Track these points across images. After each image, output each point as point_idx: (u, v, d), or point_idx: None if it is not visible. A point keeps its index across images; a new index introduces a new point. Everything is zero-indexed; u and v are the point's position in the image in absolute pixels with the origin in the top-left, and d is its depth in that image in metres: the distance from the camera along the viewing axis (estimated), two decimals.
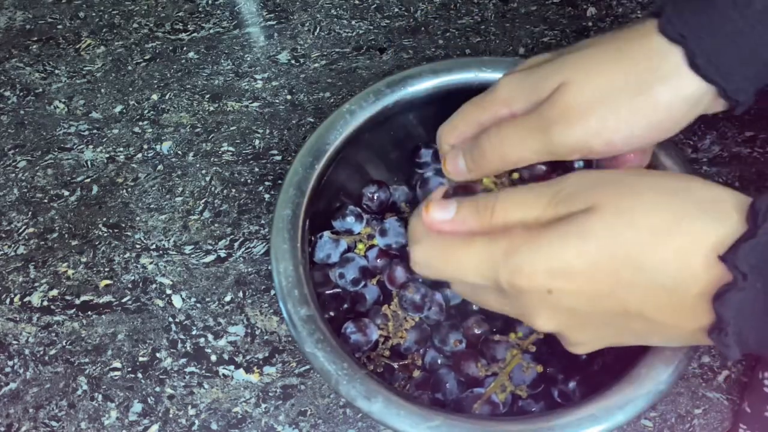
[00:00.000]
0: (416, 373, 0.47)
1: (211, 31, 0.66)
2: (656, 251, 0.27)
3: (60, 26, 0.67)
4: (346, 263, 0.48)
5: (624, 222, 0.28)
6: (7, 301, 0.54)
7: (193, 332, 0.52)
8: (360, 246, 0.49)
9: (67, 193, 0.58)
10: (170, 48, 0.65)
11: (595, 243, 0.28)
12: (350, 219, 0.48)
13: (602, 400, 0.37)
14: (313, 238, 0.48)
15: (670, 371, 0.37)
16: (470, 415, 0.41)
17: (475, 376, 0.45)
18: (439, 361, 0.47)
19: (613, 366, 0.41)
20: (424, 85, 0.47)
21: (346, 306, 0.48)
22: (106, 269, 0.55)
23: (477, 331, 0.46)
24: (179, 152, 0.60)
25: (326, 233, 0.48)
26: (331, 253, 0.48)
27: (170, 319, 0.53)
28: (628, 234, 0.28)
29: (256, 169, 0.58)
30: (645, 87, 0.31)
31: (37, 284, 0.55)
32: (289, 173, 0.44)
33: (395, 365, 0.46)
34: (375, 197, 0.50)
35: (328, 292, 0.48)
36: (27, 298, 0.54)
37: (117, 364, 0.51)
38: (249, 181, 0.58)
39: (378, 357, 0.46)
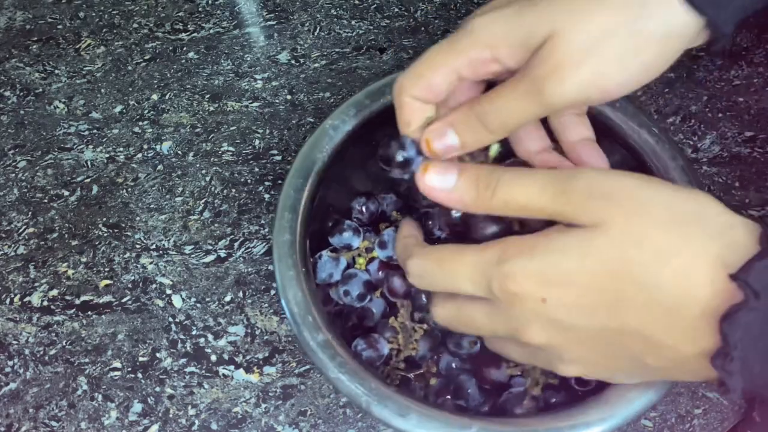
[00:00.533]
0: (433, 381, 0.46)
1: (211, 31, 0.66)
2: (661, 271, 0.26)
3: (60, 26, 0.67)
4: (349, 280, 0.47)
5: (631, 242, 0.27)
6: (7, 301, 0.54)
7: (193, 332, 0.52)
8: (360, 260, 0.48)
9: (67, 193, 0.58)
10: (170, 48, 0.65)
11: (599, 260, 0.27)
12: (348, 233, 0.48)
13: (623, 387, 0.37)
14: (312, 260, 0.47)
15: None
16: (503, 419, 0.41)
17: (501, 380, 0.45)
18: (454, 365, 0.46)
19: None
20: None
21: (353, 323, 0.48)
22: (106, 269, 0.55)
23: None
24: (179, 152, 0.60)
25: (325, 253, 0.48)
26: (333, 272, 0.48)
27: (170, 319, 0.53)
28: (632, 253, 0.27)
29: (256, 169, 0.58)
30: (637, 25, 0.30)
31: (37, 284, 0.55)
32: (282, 197, 0.44)
33: (411, 376, 0.46)
34: (365, 209, 0.50)
35: (334, 309, 0.48)
36: (27, 298, 0.54)
37: (117, 364, 0.51)
38: (249, 181, 0.58)
39: (393, 370, 0.46)
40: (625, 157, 0.45)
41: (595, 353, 0.30)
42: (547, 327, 0.29)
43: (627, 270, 0.27)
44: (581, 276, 0.27)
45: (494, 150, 0.36)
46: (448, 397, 0.45)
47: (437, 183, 0.31)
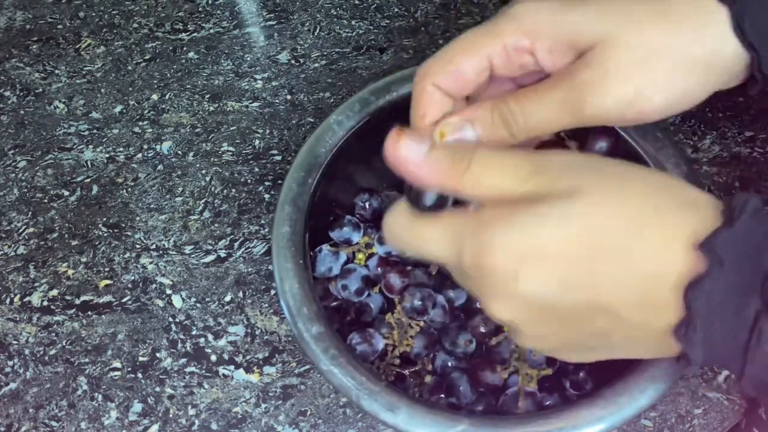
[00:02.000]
0: (428, 378, 0.46)
1: (211, 31, 0.66)
2: (635, 242, 0.26)
3: (60, 26, 0.67)
4: (348, 274, 0.47)
5: (607, 210, 0.26)
6: (7, 301, 0.54)
7: (193, 332, 0.52)
8: (360, 256, 0.49)
9: (67, 193, 0.58)
10: (170, 48, 0.65)
11: (575, 228, 0.26)
12: (348, 228, 0.48)
13: (624, 386, 0.37)
14: (312, 253, 0.47)
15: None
16: (493, 417, 0.41)
17: (496, 383, 0.45)
18: (449, 364, 0.46)
19: None
20: (408, 91, 0.47)
21: (351, 317, 0.48)
22: (106, 269, 0.55)
23: (483, 330, 0.46)
24: (179, 152, 0.60)
25: (325, 246, 0.48)
26: (332, 266, 0.48)
27: (170, 319, 0.53)
28: (609, 223, 0.26)
29: (256, 169, 0.58)
30: (693, 47, 0.29)
31: (37, 284, 0.55)
32: (283, 190, 0.44)
33: (406, 372, 0.46)
34: (367, 205, 0.50)
35: (332, 305, 0.48)
36: (27, 298, 0.54)
37: (117, 364, 0.51)
38: (249, 181, 0.58)
39: (388, 366, 0.46)
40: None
41: (558, 330, 0.28)
42: (513, 304, 0.27)
43: (603, 241, 0.26)
44: (559, 244, 0.26)
45: None
46: (442, 395, 0.45)
47: (410, 152, 0.28)
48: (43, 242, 0.56)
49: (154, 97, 0.62)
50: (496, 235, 0.26)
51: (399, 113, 0.47)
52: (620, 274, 0.26)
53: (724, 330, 0.25)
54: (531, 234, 0.26)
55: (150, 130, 0.61)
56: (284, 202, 0.44)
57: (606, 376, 0.38)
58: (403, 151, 0.28)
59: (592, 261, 0.26)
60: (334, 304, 0.48)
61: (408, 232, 0.30)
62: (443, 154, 0.28)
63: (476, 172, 0.28)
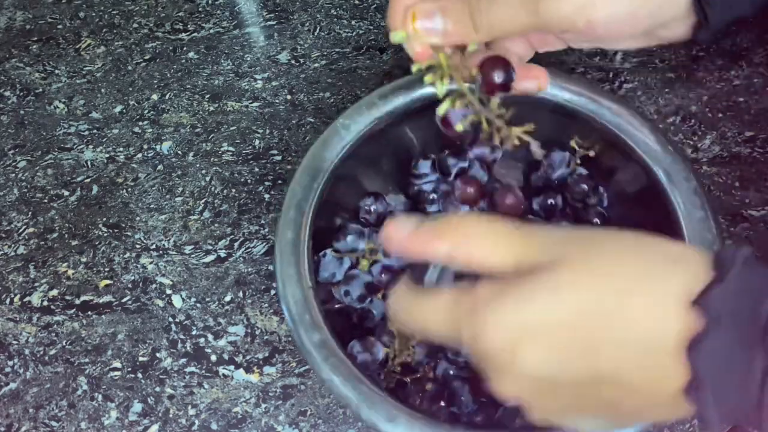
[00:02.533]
0: (429, 386, 0.46)
1: (211, 31, 0.66)
2: (627, 304, 0.26)
3: (60, 26, 0.67)
4: (350, 280, 0.47)
5: (592, 277, 0.26)
6: (7, 301, 0.54)
7: (193, 332, 0.52)
8: (363, 262, 0.48)
9: (67, 193, 0.58)
10: (170, 48, 0.65)
11: (565, 296, 0.26)
12: (351, 238, 0.48)
13: None
14: (316, 258, 0.47)
15: None
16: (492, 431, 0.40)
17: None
18: (451, 372, 0.46)
19: None
20: (416, 94, 0.47)
21: (353, 322, 0.48)
22: (106, 269, 0.55)
23: None
24: (179, 152, 0.60)
25: (329, 252, 0.48)
26: (335, 272, 0.47)
27: (170, 319, 0.53)
28: (598, 287, 0.26)
29: (256, 169, 0.58)
30: None
31: (37, 284, 0.55)
32: (288, 194, 0.44)
33: (407, 380, 0.46)
34: (372, 209, 0.50)
35: (334, 308, 0.48)
36: (27, 298, 0.54)
37: (117, 364, 0.51)
38: (249, 181, 0.58)
39: (389, 373, 0.46)
40: (638, 174, 0.45)
41: (567, 403, 0.28)
42: (516, 382, 0.28)
43: (597, 307, 0.26)
44: (551, 316, 0.26)
45: (472, 47, 0.35)
46: (443, 403, 0.45)
47: (399, 229, 0.30)
48: (43, 242, 0.56)
49: (154, 97, 0.62)
50: (488, 316, 0.27)
51: (407, 117, 0.47)
52: (617, 343, 0.26)
53: (735, 387, 0.24)
54: (523, 311, 0.26)
55: (150, 130, 0.61)
56: (289, 206, 0.43)
57: None
58: (392, 230, 0.30)
59: (587, 328, 0.26)
60: (337, 307, 0.48)
61: (410, 311, 0.31)
62: (429, 225, 0.30)
63: (467, 243, 0.29)
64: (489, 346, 0.27)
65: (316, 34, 0.65)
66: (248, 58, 0.64)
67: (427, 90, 0.46)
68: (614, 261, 0.27)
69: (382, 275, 0.48)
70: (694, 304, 0.25)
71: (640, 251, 0.27)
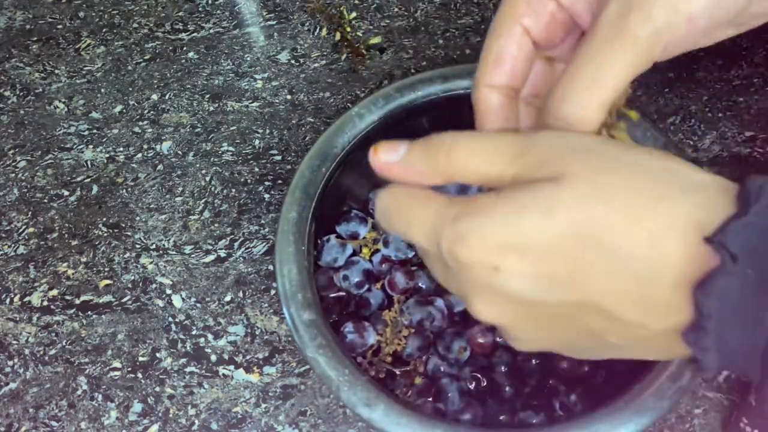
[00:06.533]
0: (418, 380, 0.46)
1: (211, 31, 0.66)
2: (629, 233, 0.23)
3: (60, 26, 0.67)
4: (350, 266, 0.47)
5: (597, 198, 0.24)
6: (7, 301, 0.54)
7: (193, 332, 0.52)
8: (365, 250, 0.49)
9: (67, 193, 0.58)
10: (170, 48, 0.65)
11: (562, 218, 0.24)
12: (354, 222, 0.48)
13: (605, 414, 0.36)
14: (319, 241, 0.47)
15: (675, 388, 0.36)
16: (471, 427, 0.41)
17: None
18: (441, 369, 0.46)
19: (616, 379, 0.40)
20: (434, 90, 0.47)
21: (350, 310, 0.48)
22: (106, 269, 0.55)
23: (482, 341, 0.46)
24: (179, 152, 0.60)
25: (333, 237, 0.48)
26: (337, 257, 0.48)
27: (170, 319, 0.53)
28: (599, 211, 0.23)
29: (256, 169, 0.58)
30: None
31: (37, 284, 0.55)
32: (296, 176, 0.44)
33: (397, 371, 0.46)
34: None
35: (332, 295, 0.48)
36: (27, 298, 0.54)
37: (117, 364, 0.51)
38: (249, 181, 0.58)
39: (380, 363, 0.46)
40: None
41: (549, 331, 0.26)
42: (496, 301, 0.26)
43: (593, 231, 0.23)
44: (542, 236, 0.24)
45: None
46: (429, 399, 0.45)
47: (388, 157, 0.28)
48: (43, 242, 0.56)
49: (154, 97, 0.62)
50: (473, 227, 0.25)
51: (423, 113, 0.47)
52: (611, 269, 0.24)
53: (740, 334, 0.22)
54: (511, 224, 0.24)
55: (150, 130, 0.61)
56: (295, 187, 0.44)
57: (598, 401, 0.37)
58: (382, 158, 0.29)
59: (579, 255, 0.24)
60: (335, 295, 0.48)
61: (396, 211, 0.28)
62: (418, 152, 0.28)
63: (460, 158, 0.26)
64: (468, 260, 0.25)
65: (316, 34, 0.65)
66: (248, 58, 0.64)
67: (446, 86, 0.47)
68: (623, 185, 0.24)
69: (382, 265, 0.48)
70: (708, 238, 0.22)
71: (653, 176, 0.24)
